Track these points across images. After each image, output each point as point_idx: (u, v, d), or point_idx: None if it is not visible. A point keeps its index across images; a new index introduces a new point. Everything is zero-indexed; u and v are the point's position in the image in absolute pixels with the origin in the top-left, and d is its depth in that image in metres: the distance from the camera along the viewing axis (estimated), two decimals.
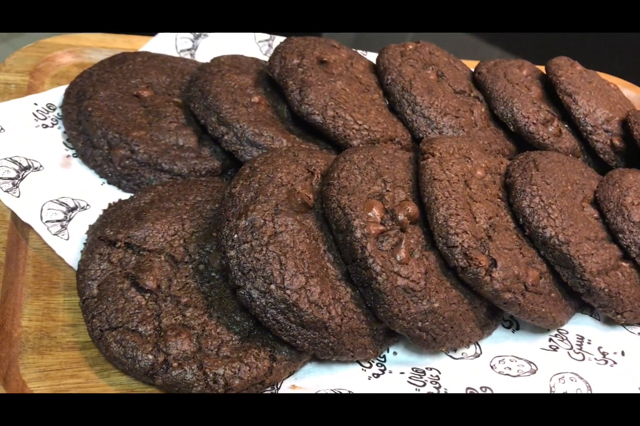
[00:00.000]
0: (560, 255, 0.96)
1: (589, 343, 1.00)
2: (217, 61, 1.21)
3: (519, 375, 0.92)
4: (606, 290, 0.97)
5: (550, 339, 1.00)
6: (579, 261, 0.96)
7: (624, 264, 1.04)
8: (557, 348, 0.98)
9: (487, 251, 0.91)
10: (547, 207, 0.99)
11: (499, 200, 1.03)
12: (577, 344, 1.00)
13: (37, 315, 0.89)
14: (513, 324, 1.03)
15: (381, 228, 0.88)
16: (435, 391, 0.87)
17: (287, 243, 0.86)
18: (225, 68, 1.19)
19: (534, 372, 0.93)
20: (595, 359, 0.96)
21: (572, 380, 0.92)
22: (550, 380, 0.92)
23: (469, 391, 0.88)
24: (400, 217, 0.91)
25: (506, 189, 1.06)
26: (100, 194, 1.05)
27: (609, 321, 1.05)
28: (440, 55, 1.37)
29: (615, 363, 0.96)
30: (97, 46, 1.33)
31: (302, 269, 0.84)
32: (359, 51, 1.42)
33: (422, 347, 0.89)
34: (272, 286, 0.82)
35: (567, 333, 1.02)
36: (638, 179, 1.15)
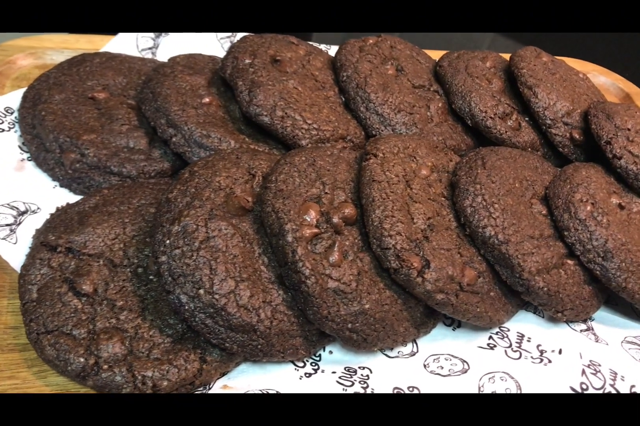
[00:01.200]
0: (500, 254, 0.96)
1: (528, 341, 1.00)
2: (172, 61, 1.22)
3: (449, 375, 0.93)
4: (545, 289, 0.97)
5: (490, 338, 1.00)
6: (517, 261, 0.95)
7: (569, 262, 1.03)
8: (495, 346, 0.99)
9: (421, 252, 0.92)
10: (489, 206, 0.99)
11: (442, 199, 1.04)
12: (517, 342, 1.00)
13: None
14: (454, 322, 1.03)
15: (315, 230, 0.90)
16: (362, 391, 0.89)
17: (220, 247, 0.88)
18: (179, 69, 1.19)
19: (465, 372, 0.93)
20: (532, 357, 0.96)
21: (502, 380, 0.92)
22: (480, 379, 0.92)
23: (395, 391, 0.89)
24: (335, 220, 0.93)
25: (452, 187, 1.06)
26: (51, 198, 1.08)
27: (552, 319, 1.05)
28: (403, 48, 1.36)
29: (550, 361, 0.96)
30: (59, 47, 1.35)
31: (232, 273, 0.86)
32: (322, 46, 1.42)
33: (354, 347, 0.90)
34: (201, 291, 0.84)
35: (509, 330, 1.02)
36: (590, 174, 1.13)
